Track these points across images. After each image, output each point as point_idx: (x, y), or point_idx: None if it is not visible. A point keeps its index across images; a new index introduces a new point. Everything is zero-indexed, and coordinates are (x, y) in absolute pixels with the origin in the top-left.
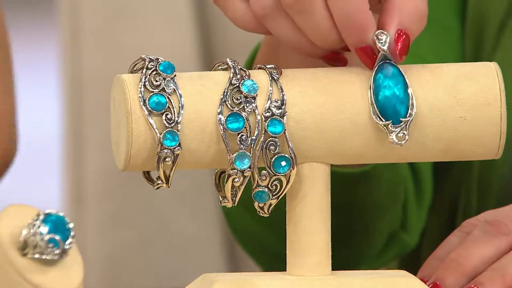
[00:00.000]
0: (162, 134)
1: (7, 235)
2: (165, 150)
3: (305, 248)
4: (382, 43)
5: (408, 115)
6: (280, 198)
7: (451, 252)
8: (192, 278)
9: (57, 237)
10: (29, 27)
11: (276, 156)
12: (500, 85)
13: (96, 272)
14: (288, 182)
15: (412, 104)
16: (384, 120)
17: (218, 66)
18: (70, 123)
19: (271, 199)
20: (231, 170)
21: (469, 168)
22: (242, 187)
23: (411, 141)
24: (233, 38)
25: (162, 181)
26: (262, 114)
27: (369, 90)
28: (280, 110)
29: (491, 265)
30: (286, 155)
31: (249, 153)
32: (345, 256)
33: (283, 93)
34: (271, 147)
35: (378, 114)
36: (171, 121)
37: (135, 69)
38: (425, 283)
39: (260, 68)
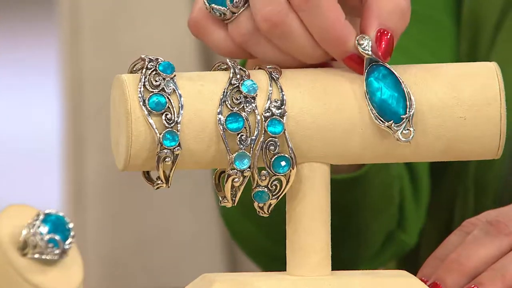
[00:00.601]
0: (162, 134)
1: (7, 235)
2: (165, 150)
3: (305, 248)
4: (364, 48)
5: (407, 111)
6: (280, 198)
7: (452, 252)
8: (192, 278)
9: (57, 237)
10: (29, 27)
11: (276, 156)
12: (500, 85)
13: (96, 272)
14: (288, 182)
15: (410, 99)
16: (385, 121)
17: (218, 66)
18: (70, 123)
19: (271, 199)
20: (231, 170)
21: (465, 167)
22: (242, 187)
23: (411, 141)
24: None
25: (162, 181)
26: (262, 114)
27: (365, 96)
28: (280, 110)
29: (492, 265)
30: (286, 155)
31: (248, 153)
32: (341, 257)
33: (283, 93)
34: (271, 147)
35: (379, 116)
36: (171, 121)
37: (134, 69)
38: (425, 283)
39: (260, 68)
